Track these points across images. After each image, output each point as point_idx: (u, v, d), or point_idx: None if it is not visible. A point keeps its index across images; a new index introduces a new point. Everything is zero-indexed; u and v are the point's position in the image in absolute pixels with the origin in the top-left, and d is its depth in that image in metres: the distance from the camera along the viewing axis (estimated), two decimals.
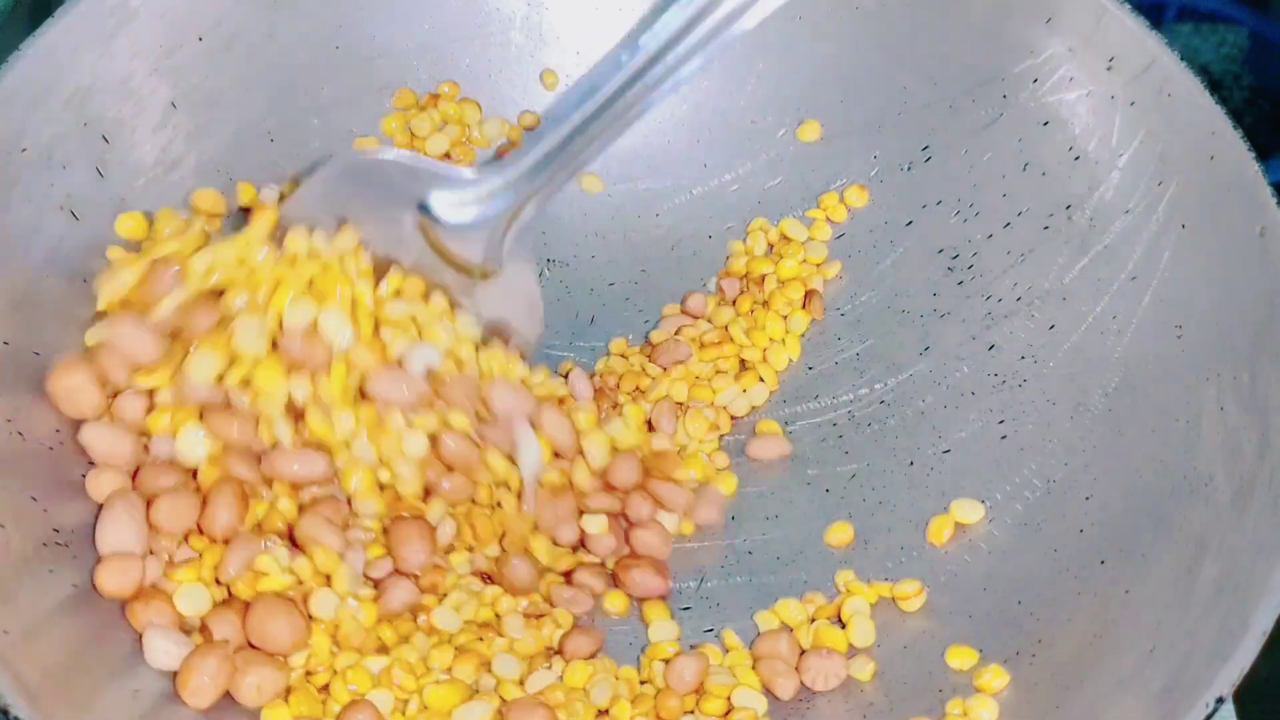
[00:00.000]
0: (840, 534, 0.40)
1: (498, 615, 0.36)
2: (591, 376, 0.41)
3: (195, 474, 0.36)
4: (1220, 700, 0.31)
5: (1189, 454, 0.37)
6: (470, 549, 0.37)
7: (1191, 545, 0.35)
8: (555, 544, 0.38)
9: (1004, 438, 0.41)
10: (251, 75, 0.43)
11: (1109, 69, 0.41)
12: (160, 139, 0.41)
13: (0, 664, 0.30)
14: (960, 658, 0.36)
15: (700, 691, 0.35)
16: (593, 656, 0.36)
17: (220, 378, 0.35)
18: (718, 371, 0.42)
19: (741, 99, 0.46)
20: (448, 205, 0.37)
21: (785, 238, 0.45)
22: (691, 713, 0.35)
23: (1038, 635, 0.36)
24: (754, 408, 0.42)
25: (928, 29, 0.44)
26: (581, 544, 0.38)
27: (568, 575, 0.38)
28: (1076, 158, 0.42)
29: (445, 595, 0.36)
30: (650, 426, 0.41)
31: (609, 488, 0.38)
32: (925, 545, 0.39)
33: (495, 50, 0.46)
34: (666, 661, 0.36)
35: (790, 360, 0.43)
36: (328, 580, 0.35)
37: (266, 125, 0.43)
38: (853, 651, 0.37)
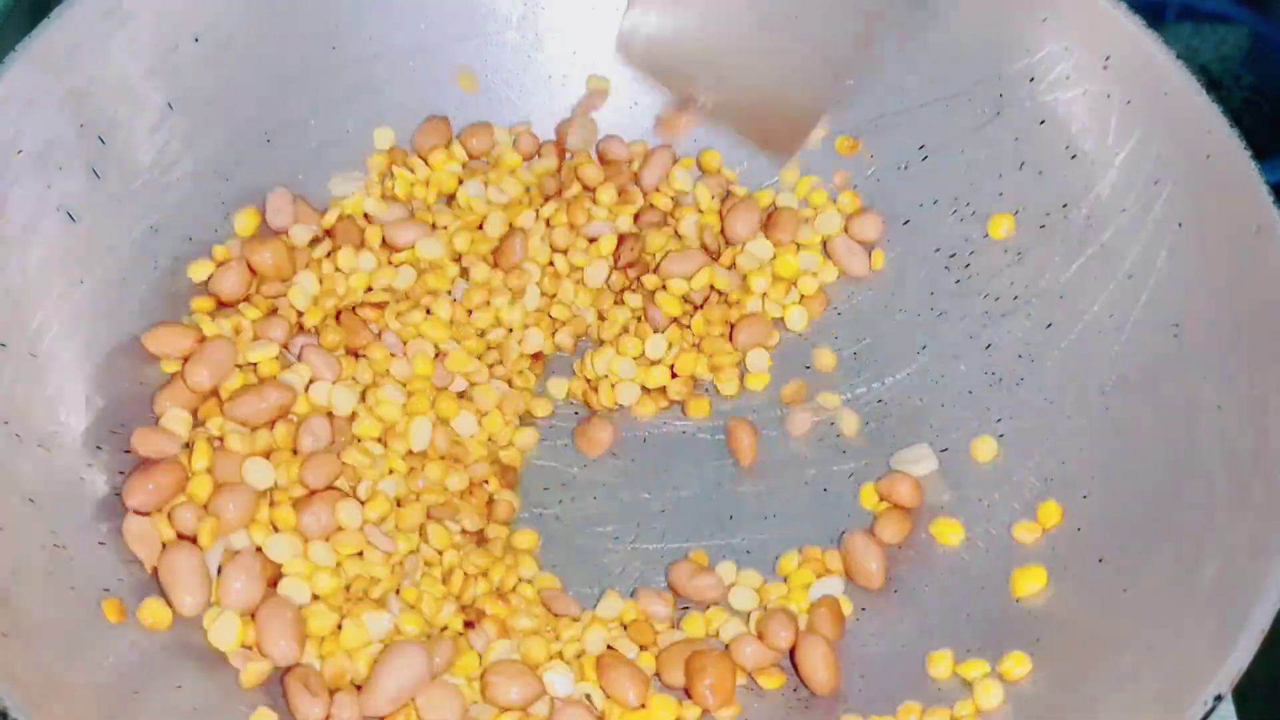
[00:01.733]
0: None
1: None
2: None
3: None
4: (1219, 698, 0.31)
5: (1186, 453, 0.37)
6: None
7: (1189, 544, 0.35)
8: None
9: (1001, 436, 0.41)
10: (248, 76, 0.43)
11: (1105, 67, 0.41)
12: (157, 140, 0.41)
13: None
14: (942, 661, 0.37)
15: None
16: None
17: None
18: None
19: None
20: None
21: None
22: None
23: (1036, 634, 0.36)
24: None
25: (924, 28, 0.44)
26: None
27: None
28: (1073, 156, 0.42)
29: None
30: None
31: None
32: (924, 545, 0.39)
33: (492, 50, 0.46)
34: None
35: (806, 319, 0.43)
36: None
37: (263, 126, 0.43)
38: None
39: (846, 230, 0.44)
